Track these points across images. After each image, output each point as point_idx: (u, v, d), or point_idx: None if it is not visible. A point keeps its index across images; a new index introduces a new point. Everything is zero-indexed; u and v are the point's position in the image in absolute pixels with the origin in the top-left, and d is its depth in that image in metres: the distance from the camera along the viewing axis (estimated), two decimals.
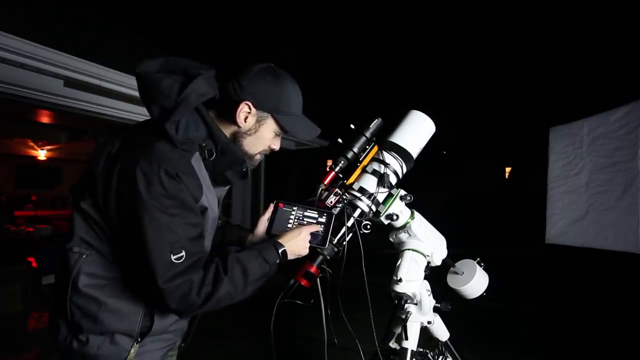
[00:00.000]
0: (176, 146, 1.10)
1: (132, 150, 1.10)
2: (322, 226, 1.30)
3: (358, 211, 1.36)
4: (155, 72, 1.14)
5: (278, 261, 1.21)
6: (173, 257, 1.04)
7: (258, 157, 1.28)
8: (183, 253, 1.05)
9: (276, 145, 1.28)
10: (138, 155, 1.07)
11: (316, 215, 1.31)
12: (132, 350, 1.16)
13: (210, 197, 1.18)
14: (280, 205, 1.35)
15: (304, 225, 1.32)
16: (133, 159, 1.06)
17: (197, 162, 1.15)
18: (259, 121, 1.20)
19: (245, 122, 1.19)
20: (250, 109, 1.18)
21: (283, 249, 1.22)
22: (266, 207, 1.37)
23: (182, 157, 1.11)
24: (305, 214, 1.32)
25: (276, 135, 1.25)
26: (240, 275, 1.12)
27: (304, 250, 1.27)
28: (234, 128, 1.21)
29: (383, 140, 1.46)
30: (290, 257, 1.25)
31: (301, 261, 1.31)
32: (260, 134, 1.22)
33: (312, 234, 1.30)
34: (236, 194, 7.41)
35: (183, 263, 1.05)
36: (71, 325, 1.14)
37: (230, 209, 7.29)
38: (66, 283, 1.14)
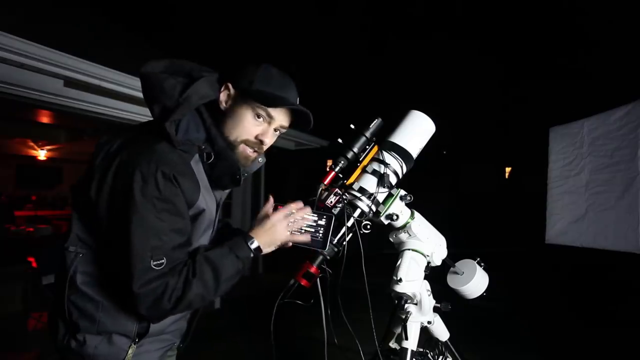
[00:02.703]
0: (175, 146, 1.09)
1: (131, 149, 1.11)
2: (322, 229, 1.30)
3: (358, 211, 1.36)
4: (159, 73, 1.14)
5: (251, 255, 1.18)
6: (153, 263, 1.03)
7: (249, 152, 1.21)
8: (164, 260, 1.04)
9: (264, 135, 1.19)
10: (137, 154, 1.07)
11: (316, 218, 1.31)
12: (129, 351, 1.15)
13: (209, 199, 1.18)
14: (279, 207, 1.34)
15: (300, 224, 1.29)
16: (131, 158, 1.06)
17: (196, 164, 1.15)
18: (234, 99, 1.18)
19: (225, 104, 1.19)
20: (229, 89, 1.18)
21: (255, 244, 1.18)
22: (266, 202, 1.33)
23: (181, 158, 1.11)
24: (305, 216, 1.32)
25: (257, 117, 1.17)
26: (210, 275, 1.09)
27: (280, 237, 1.21)
28: (222, 118, 1.19)
29: (383, 140, 1.46)
30: (266, 249, 1.21)
31: (301, 261, 1.31)
32: (237, 115, 1.17)
33: (312, 236, 1.28)
34: (236, 194, 7.41)
35: (162, 269, 1.04)
36: (69, 324, 1.14)
37: (230, 210, 7.29)
38: (64, 282, 1.14)
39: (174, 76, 1.14)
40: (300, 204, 1.27)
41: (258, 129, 1.19)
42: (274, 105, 1.17)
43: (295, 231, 1.26)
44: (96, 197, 1.10)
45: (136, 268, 1.02)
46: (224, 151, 1.18)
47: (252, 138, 1.19)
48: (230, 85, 1.18)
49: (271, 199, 1.33)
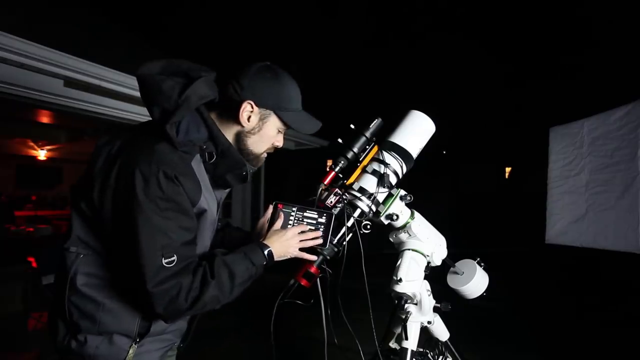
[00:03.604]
0: (176, 148, 1.10)
1: (132, 150, 1.11)
2: (322, 226, 1.30)
3: (358, 211, 1.36)
4: (156, 74, 1.14)
5: (265, 263, 1.21)
6: (164, 261, 1.04)
7: (264, 156, 1.29)
8: (174, 257, 1.05)
9: (280, 142, 1.29)
10: (138, 155, 1.07)
11: (316, 216, 1.31)
12: (130, 351, 1.16)
13: (210, 199, 1.19)
14: (280, 206, 1.34)
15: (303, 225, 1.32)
16: (133, 159, 1.07)
17: (197, 164, 1.15)
18: (262, 119, 1.21)
19: (248, 121, 1.20)
20: (252, 107, 1.18)
21: (269, 250, 1.23)
22: (266, 209, 1.37)
23: (182, 159, 1.11)
24: (305, 214, 1.32)
25: (279, 131, 1.26)
26: (227, 279, 1.12)
27: (292, 251, 1.27)
28: (237, 128, 1.22)
29: (383, 140, 1.46)
30: (276, 258, 1.25)
31: (301, 261, 1.31)
32: (264, 132, 1.23)
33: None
34: (236, 194, 7.42)
35: (173, 267, 1.05)
36: (70, 325, 1.15)
37: (230, 209, 7.30)
38: (64, 283, 1.14)
39: (172, 77, 1.14)
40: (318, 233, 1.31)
41: (278, 138, 1.28)
42: (308, 132, 1.26)
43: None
44: (100, 200, 1.10)
45: (148, 267, 1.03)
46: (229, 149, 1.19)
47: (271, 146, 1.29)
48: (253, 104, 1.18)
49: (271, 207, 1.36)
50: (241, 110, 1.17)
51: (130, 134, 1.21)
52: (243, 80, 1.17)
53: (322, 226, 1.30)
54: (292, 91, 1.23)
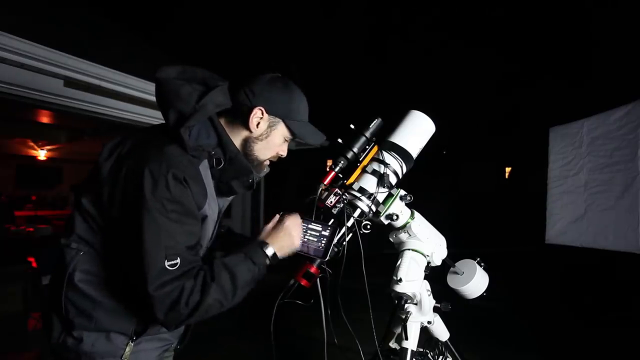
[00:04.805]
0: (187, 151, 1.11)
1: (142, 150, 1.12)
2: (325, 239, 1.30)
3: (358, 211, 1.36)
4: (174, 79, 1.16)
5: (267, 261, 1.20)
6: (167, 264, 1.03)
7: (266, 163, 1.30)
8: (178, 260, 1.04)
9: (284, 152, 1.31)
10: (148, 156, 1.08)
11: (320, 229, 1.31)
12: (127, 349, 1.16)
13: (213, 206, 1.20)
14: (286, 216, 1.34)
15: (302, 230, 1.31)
16: (143, 159, 1.07)
17: (204, 169, 1.17)
18: (270, 126, 1.23)
19: (257, 127, 1.22)
20: (262, 114, 1.21)
21: (271, 251, 1.21)
22: (272, 217, 1.35)
23: (191, 163, 1.12)
24: (310, 226, 1.32)
25: (285, 140, 1.28)
26: (228, 281, 1.10)
27: (296, 242, 1.27)
28: (245, 134, 1.23)
29: (383, 140, 1.46)
30: (281, 253, 1.24)
31: (301, 261, 1.31)
32: (270, 139, 1.25)
33: (314, 246, 1.29)
34: (236, 195, 7.43)
35: (175, 271, 1.04)
36: (65, 322, 1.15)
37: (230, 209, 7.30)
38: (62, 279, 1.14)
39: (190, 83, 1.17)
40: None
41: (283, 147, 1.31)
42: (313, 144, 1.28)
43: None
44: (109, 199, 1.10)
45: (150, 268, 1.02)
46: (237, 156, 1.20)
47: (275, 154, 1.31)
48: (263, 111, 1.20)
49: (277, 217, 1.34)
50: (251, 116, 1.19)
51: (141, 136, 1.22)
52: (255, 88, 1.20)
53: (325, 239, 1.30)
54: (300, 103, 1.26)
